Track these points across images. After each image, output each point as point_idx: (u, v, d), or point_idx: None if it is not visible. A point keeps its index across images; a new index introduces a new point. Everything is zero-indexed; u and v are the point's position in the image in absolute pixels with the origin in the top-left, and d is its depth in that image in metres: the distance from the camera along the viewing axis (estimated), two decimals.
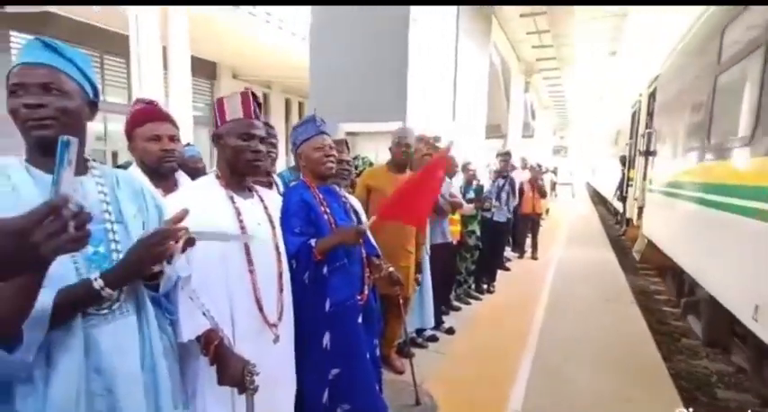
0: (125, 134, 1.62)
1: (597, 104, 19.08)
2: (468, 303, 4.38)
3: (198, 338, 1.17)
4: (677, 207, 3.97)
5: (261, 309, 1.33)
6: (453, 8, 5.75)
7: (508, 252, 6.54)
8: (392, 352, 2.94)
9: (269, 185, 1.91)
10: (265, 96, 12.27)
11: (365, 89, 4.79)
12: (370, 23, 4.74)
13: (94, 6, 6.36)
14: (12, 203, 0.82)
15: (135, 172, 1.56)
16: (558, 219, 11.33)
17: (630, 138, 7.75)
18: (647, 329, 3.80)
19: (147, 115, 1.59)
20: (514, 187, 5.42)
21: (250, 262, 1.33)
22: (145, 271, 0.93)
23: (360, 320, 1.68)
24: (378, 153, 4.64)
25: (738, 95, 2.84)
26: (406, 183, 1.82)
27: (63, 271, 0.84)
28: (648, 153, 5.48)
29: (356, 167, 3.19)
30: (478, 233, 4.37)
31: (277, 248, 1.45)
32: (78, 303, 0.86)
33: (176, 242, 0.94)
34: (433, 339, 3.39)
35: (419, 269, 2.98)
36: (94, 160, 1.03)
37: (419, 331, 3.34)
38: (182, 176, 1.74)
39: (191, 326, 1.15)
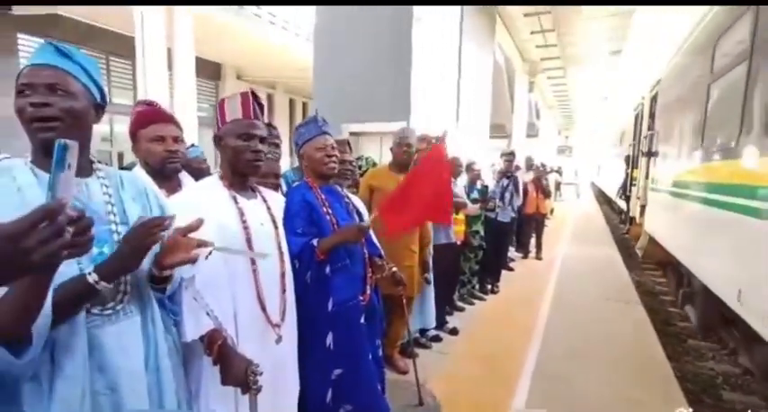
0: (129, 135, 1.64)
1: (602, 104, 18.98)
2: (472, 303, 4.37)
3: (201, 338, 1.18)
4: (675, 205, 4.26)
5: (264, 309, 1.34)
6: (457, 8, 5.74)
7: (512, 252, 6.52)
8: (395, 352, 2.94)
9: (276, 187, 1.91)
10: (270, 97, 12.31)
11: (369, 89, 4.79)
12: (374, 24, 4.74)
13: (101, 6, 6.41)
14: (17, 204, 0.83)
15: (139, 173, 1.57)
16: (563, 219, 11.28)
17: (634, 139, 7.98)
18: (652, 330, 3.77)
19: (150, 116, 1.60)
20: (518, 187, 5.40)
21: (253, 262, 1.34)
22: (137, 263, 0.93)
23: (362, 320, 1.68)
24: (381, 153, 4.65)
25: (727, 103, 3.15)
26: (405, 180, 1.82)
27: (67, 272, 0.84)
28: (650, 154, 5.77)
29: (359, 167, 3.19)
30: (482, 233, 4.36)
31: (280, 248, 1.45)
32: (76, 299, 0.85)
33: (186, 247, 0.95)
34: (437, 339, 3.38)
35: (426, 268, 2.98)
36: (99, 162, 1.04)
37: (422, 331, 3.34)
38: (185, 177, 1.76)
39: (194, 326, 1.16)
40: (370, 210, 2.30)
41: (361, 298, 1.69)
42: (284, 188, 2.09)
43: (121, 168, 1.37)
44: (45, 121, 0.88)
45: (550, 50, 10.70)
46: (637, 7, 8.04)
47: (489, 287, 4.85)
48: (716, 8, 3.58)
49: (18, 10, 6.62)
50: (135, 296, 0.99)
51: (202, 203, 1.28)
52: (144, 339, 0.99)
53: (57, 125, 0.89)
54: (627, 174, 8.15)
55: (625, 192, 8.25)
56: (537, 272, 5.89)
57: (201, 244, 0.99)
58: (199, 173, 2.10)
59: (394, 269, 1.88)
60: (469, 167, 4.42)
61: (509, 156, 5.14)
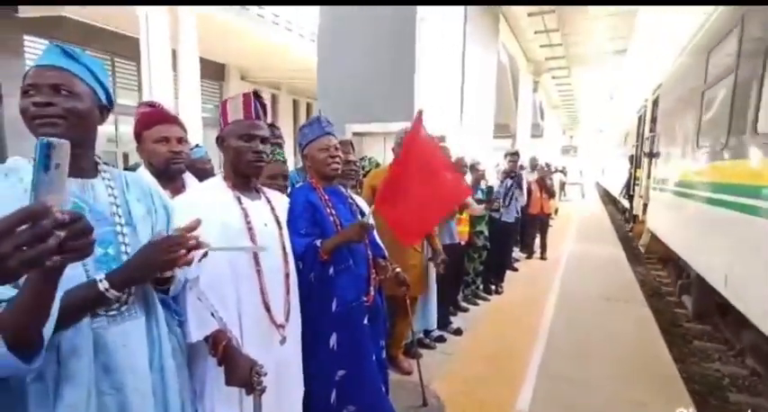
0: (134, 136, 1.64)
1: (607, 103, 18.89)
2: (476, 304, 4.36)
3: (206, 339, 1.18)
4: (673, 202, 4.65)
5: (268, 310, 1.34)
6: (461, 8, 5.73)
7: (516, 252, 6.50)
8: (399, 352, 2.94)
9: (284, 189, 1.90)
10: (274, 98, 12.33)
11: (373, 90, 4.79)
12: (378, 24, 4.74)
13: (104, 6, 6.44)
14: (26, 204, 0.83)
15: (143, 173, 1.58)
16: (568, 219, 11.24)
17: (637, 140, 8.35)
18: (658, 331, 3.74)
19: (155, 117, 1.61)
20: (522, 186, 5.38)
21: (257, 263, 1.34)
22: (151, 276, 0.93)
23: (366, 321, 1.68)
24: (385, 154, 4.65)
25: (717, 110, 3.50)
26: (391, 168, 1.78)
27: (72, 272, 0.85)
28: (652, 154, 6.14)
29: (363, 168, 3.19)
30: (486, 233, 4.34)
31: (284, 249, 1.45)
32: (85, 304, 0.86)
33: (188, 251, 0.93)
34: (441, 340, 3.38)
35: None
36: (106, 163, 1.05)
37: (426, 332, 3.33)
38: (189, 178, 1.76)
39: (199, 327, 1.16)
40: None
41: (365, 299, 1.69)
42: (288, 188, 2.08)
43: (126, 169, 1.38)
44: (48, 119, 0.89)
45: (555, 50, 10.66)
46: (641, 6, 8.00)
47: (493, 287, 4.84)
48: (709, 23, 3.98)
49: (24, 12, 6.67)
50: (140, 297, 0.99)
51: (206, 204, 1.28)
52: (148, 339, 0.99)
53: (59, 123, 0.89)
54: (630, 174, 8.49)
55: (629, 191, 8.56)
56: (541, 272, 5.87)
57: (200, 246, 0.98)
58: (203, 173, 2.10)
59: (397, 269, 1.88)
60: (473, 167, 4.40)
61: (513, 156, 5.12)
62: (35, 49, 6.92)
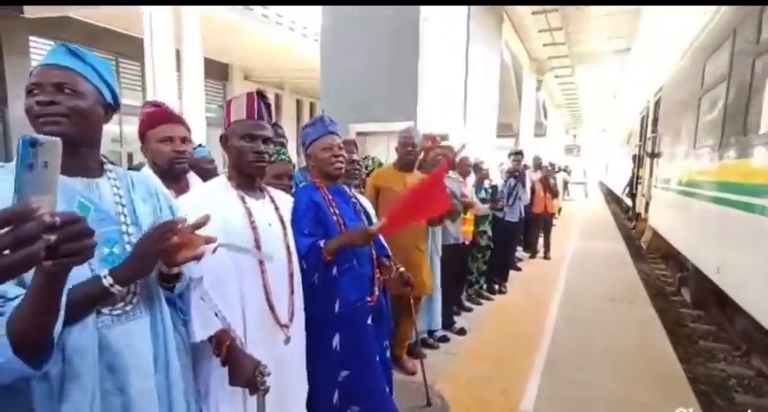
0: (138, 136, 1.65)
1: (611, 103, 18.80)
2: (480, 304, 4.35)
3: (210, 339, 1.18)
4: (673, 200, 4.98)
5: (272, 310, 1.34)
6: (464, 6, 5.72)
7: (520, 252, 6.49)
8: (403, 352, 2.93)
9: (289, 188, 1.90)
10: (277, 97, 12.36)
11: (376, 89, 4.79)
12: (381, 23, 4.73)
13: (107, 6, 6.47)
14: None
15: (147, 173, 1.58)
16: (571, 219, 11.20)
17: (639, 140, 8.69)
18: (663, 331, 3.72)
19: (159, 117, 1.61)
20: (525, 185, 5.37)
21: (261, 262, 1.34)
22: (151, 266, 0.93)
23: (369, 322, 1.67)
24: (388, 153, 4.64)
25: (712, 114, 3.83)
26: (414, 188, 1.82)
27: (77, 271, 0.84)
28: (653, 154, 6.49)
29: (366, 167, 3.20)
30: (490, 233, 4.33)
31: (288, 249, 1.45)
32: (89, 301, 0.86)
33: (191, 245, 0.93)
34: (445, 340, 3.37)
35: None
36: (112, 163, 1.05)
37: (430, 332, 3.33)
38: (193, 177, 1.76)
39: (202, 327, 1.16)
40: (376, 210, 2.30)
41: (369, 299, 1.68)
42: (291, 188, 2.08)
43: (129, 169, 1.38)
44: (51, 117, 0.89)
45: (558, 49, 10.61)
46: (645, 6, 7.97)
47: (497, 287, 4.83)
48: (705, 33, 4.34)
49: (29, 13, 6.71)
50: (145, 296, 0.99)
51: (210, 204, 1.27)
52: (153, 339, 0.99)
53: (62, 121, 0.89)
54: (633, 173, 8.77)
55: (631, 189, 8.90)
56: (545, 271, 5.85)
57: (208, 240, 0.98)
58: (206, 173, 2.11)
59: (402, 269, 1.88)
60: (477, 167, 4.39)
61: (518, 155, 5.10)
62: (40, 50, 6.97)
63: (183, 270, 1.03)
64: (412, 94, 4.66)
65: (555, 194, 6.74)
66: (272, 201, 1.49)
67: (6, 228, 0.50)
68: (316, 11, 5.91)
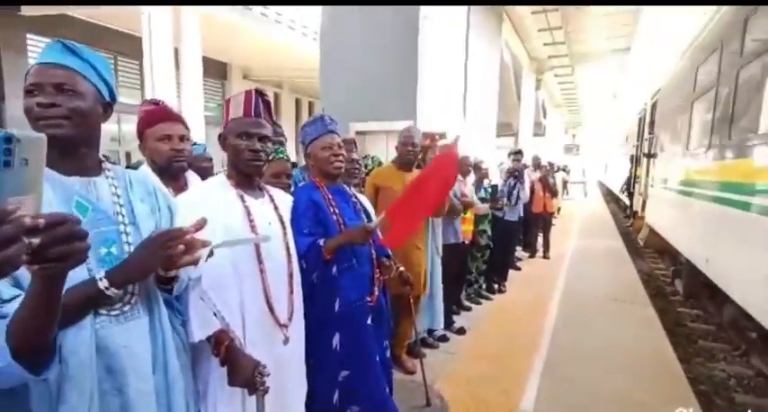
0: (137, 134, 1.64)
1: (610, 102, 18.81)
2: (479, 303, 4.34)
3: (209, 339, 1.17)
4: (668, 198, 5.23)
5: (271, 310, 1.33)
6: (464, 6, 5.71)
7: (519, 251, 6.48)
8: (403, 352, 2.93)
9: (288, 187, 1.89)
10: (276, 96, 12.33)
11: (375, 88, 4.77)
12: (381, 22, 4.72)
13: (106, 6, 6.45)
14: None
15: (145, 171, 1.57)
16: (570, 218, 11.20)
17: (637, 140, 8.93)
18: (662, 331, 3.72)
19: (158, 115, 1.60)
20: (524, 184, 5.36)
21: (261, 262, 1.33)
22: (150, 272, 0.92)
23: (369, 321, 1.67)
24: (387, 152, 4.63)
25: (703, 118, 4.16)
26: (413, 183, 1.81)
27: (75, 273, 0.83)
28: (650, 155, 6.76)
29: (365, 166, 3.19)
30: (490, 232, 4.33)
31: (287, 248, 1.44)
32: (85, 303, 0.85)
33: (189, 249, 0.90)
34: (444, 339, 3.36)
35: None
36: (113, 162, 1.04)
37: (430, 331, 3.32)
38: (192, 176, 1.76)
39: (201, 327, 1.15)
40: (376, 209, 2.29)
41: (369, 299, 1.68)
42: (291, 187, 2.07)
43: (128, 167, 1.37)
44: (52, 119, 0.88)
45: (558, 48, 10.60)
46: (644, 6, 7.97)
47: (496, 286, 4.82)
48: (698, 41, 4.63)
49: (27, 11, 6.68)
50: (143, 297, 0.98)
51: (209, 202, 1.27)
52: (152, 340, 0.98)
53: (64, 123, 0.88)
54: (631, 173, 9.07)
55: (629, 188, 9.16)
56: (544, 271, 5.85)
57: (204, 244, 0.97)
58: (203, 171, 2.09)
59: (401, 269, 1.87)
60: (477, 166, 4.39)
61: (517, 154, 5.10)
62: (38, 48, 6.93)
63: (179, 272, 1.02)
64: (411, 93, 4.65)
65: (554, 194, 6.74)
66: (272, 200, 1.48)
67: None
68: (315, 10, 5.89)
